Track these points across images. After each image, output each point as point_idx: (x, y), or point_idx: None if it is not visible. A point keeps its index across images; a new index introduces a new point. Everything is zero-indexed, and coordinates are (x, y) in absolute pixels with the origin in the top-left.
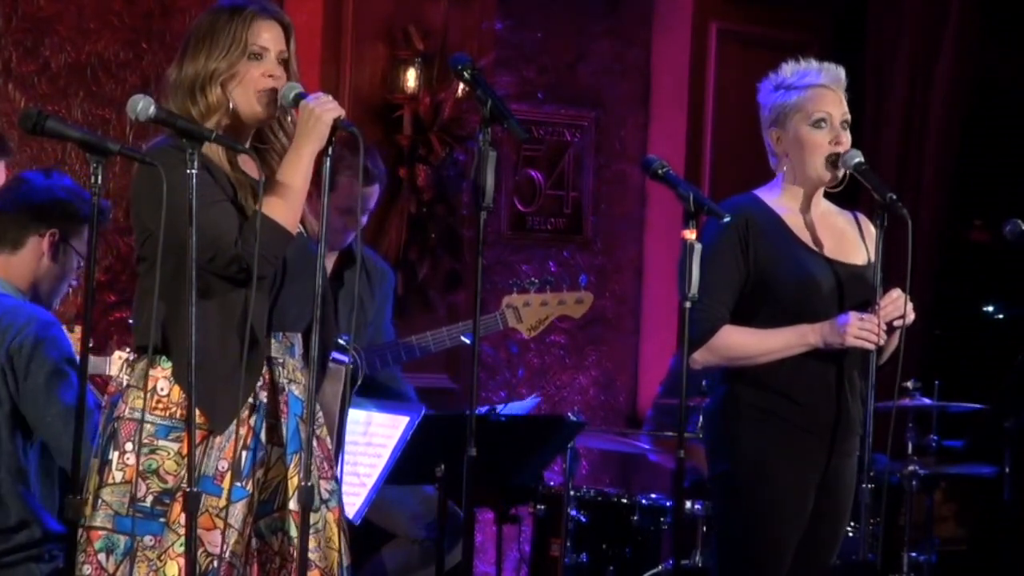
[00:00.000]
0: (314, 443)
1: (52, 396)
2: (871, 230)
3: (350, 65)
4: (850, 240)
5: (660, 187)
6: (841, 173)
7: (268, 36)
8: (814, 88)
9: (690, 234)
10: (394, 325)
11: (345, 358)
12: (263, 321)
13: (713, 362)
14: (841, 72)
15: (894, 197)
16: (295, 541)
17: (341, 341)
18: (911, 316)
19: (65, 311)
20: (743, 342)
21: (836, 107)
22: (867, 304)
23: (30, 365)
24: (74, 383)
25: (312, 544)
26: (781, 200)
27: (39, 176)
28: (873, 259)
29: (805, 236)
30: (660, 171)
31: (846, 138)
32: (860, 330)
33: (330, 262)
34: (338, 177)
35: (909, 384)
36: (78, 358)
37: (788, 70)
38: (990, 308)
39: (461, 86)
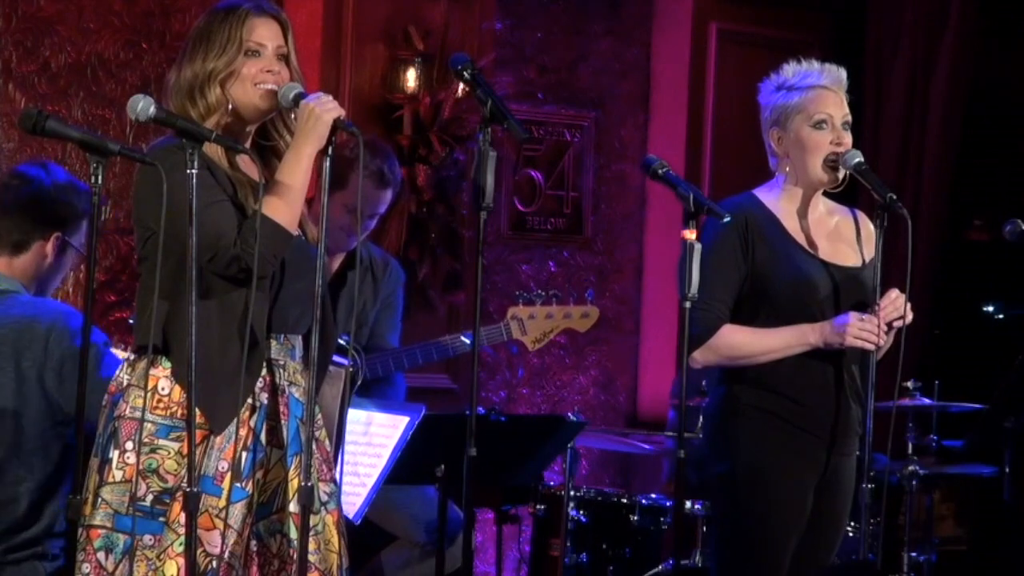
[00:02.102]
0: (313, 445)
1: (98, 379)
2: (870, 228)
3: (350, 65)
4: (846, 241)
5: (660, 187)
6: (841, 175)
7: (264, 32)
8: (815, 89)
9: (690, 234)
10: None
11: (344, 360)
12: (263, 322)
13: (713, 361)
14: (842, 73)
15: (894, 197)
16: (294, 543)
17: (341, 341)
18: (909, 316)
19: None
20: (743, 341)
21: (837, 108)
22: (863, 305)
23: (72, 357)
24: (104, 354)
25: (312, 546)
26: (780, 201)
27: (39, 172)
28: (868, 259)
29: (801, 238)
30: (660, 171)
31: (847, 139)
32: (860, 330)
33: (336, 262)
34: (352, 175)
35: (909, 384)
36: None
37: (789, 71)
38: (990, 308)
39: (461, 86)
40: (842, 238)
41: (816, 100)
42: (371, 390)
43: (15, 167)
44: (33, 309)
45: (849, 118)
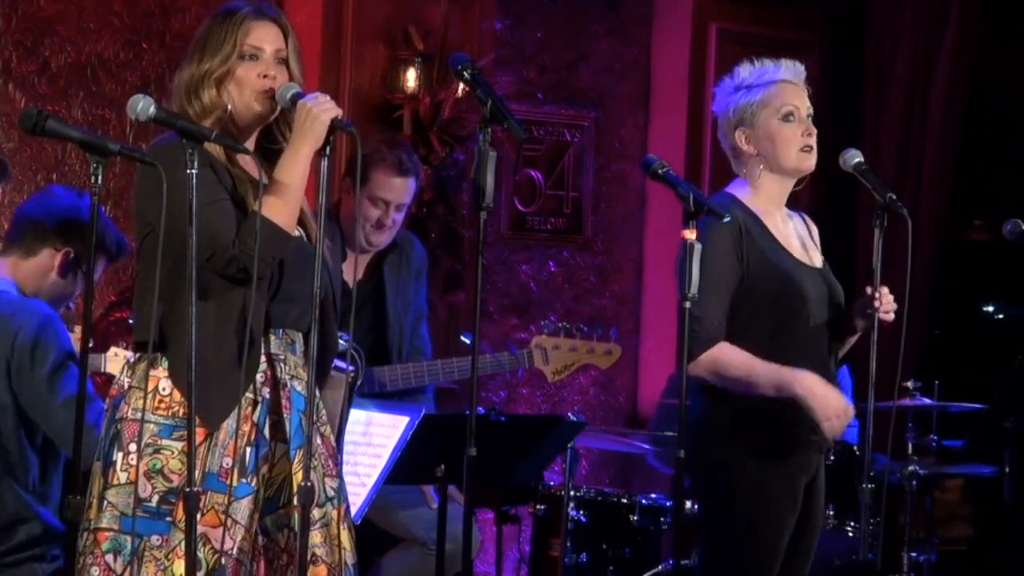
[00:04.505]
0: (318, 440)
1: (55, 388)
2: (815, 231)
3: (350, 65)
4: (808, 243)
5: (660, 187)
6: (813, 162)
7: (263, 36)
8: (777, 84)
9: (690, 234)
10: (429, 303)
11: (345, 365)
12: (260, 320)
13: (701, 375)
14: (800, 67)
15: (894, 197)
16: None
17: (342, 341)
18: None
19: (66, 311)
20: (734, 364)
21: (801, 100)
22: (836, 304)
23: (33, 359)
24: (75, 375)
25: (319, 539)
26: (755, 200)
27: (72, 194)
28: (822, 262)
29: (782, 239)
30: (660, 171)
31: (814, 130)
32: (840, 428)
33: (364, 261)
34: (373, 170)
35: (909, 384)
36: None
37: (745, 71)
38: (990, 308)
39: (461, 86)
40: (805, 240)
41: (780, 94)
42: (402, 398)
43: (52, 186)
44: (10, 308)
45: (811, 111)
